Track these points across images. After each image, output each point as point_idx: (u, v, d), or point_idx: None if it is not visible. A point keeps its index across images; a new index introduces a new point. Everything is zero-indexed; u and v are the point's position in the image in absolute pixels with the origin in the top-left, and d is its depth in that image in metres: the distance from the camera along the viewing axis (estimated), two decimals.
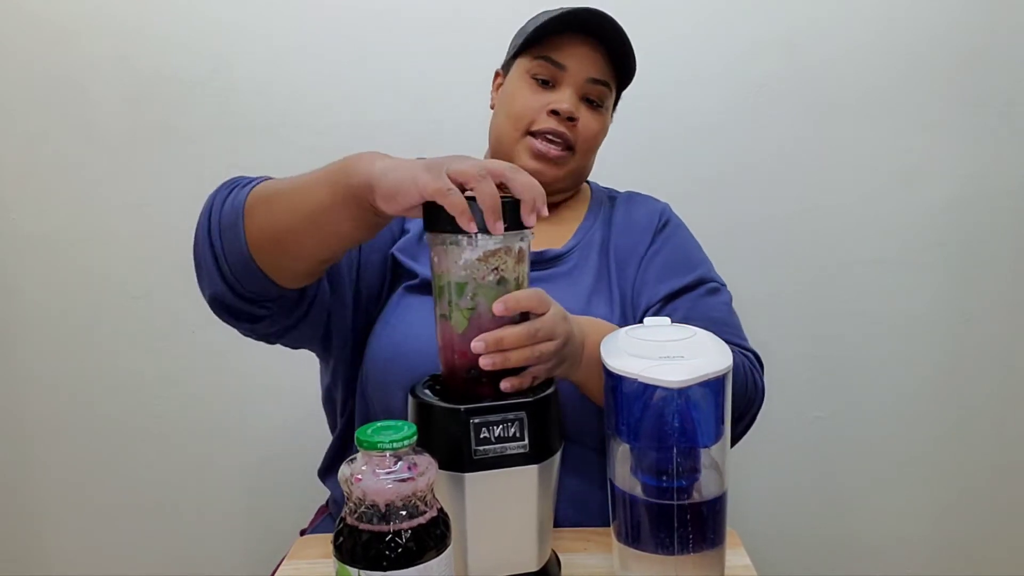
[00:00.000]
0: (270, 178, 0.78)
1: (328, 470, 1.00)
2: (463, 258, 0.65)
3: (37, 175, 1.40)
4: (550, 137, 0.93)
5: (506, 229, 0.63)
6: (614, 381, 0.65)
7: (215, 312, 0.81)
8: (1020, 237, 1.42)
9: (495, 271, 0.66)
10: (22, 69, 1.37)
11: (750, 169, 1.41)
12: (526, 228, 0.66)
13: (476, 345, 0.64)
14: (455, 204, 0.61)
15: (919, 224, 1.42)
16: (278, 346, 0.89)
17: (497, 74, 1.03)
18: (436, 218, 0.64)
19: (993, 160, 1.40)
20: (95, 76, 1.37)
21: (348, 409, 0.95)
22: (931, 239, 1.42)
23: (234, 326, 0.82)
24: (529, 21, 0.97)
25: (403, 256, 0.92)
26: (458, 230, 0.62)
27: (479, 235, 0.63)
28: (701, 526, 0.64)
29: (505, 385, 0.66)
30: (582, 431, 0.84)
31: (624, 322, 0.92)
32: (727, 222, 1.40)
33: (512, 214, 0.64)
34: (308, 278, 0.79)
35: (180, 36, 1.37)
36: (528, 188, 0.64)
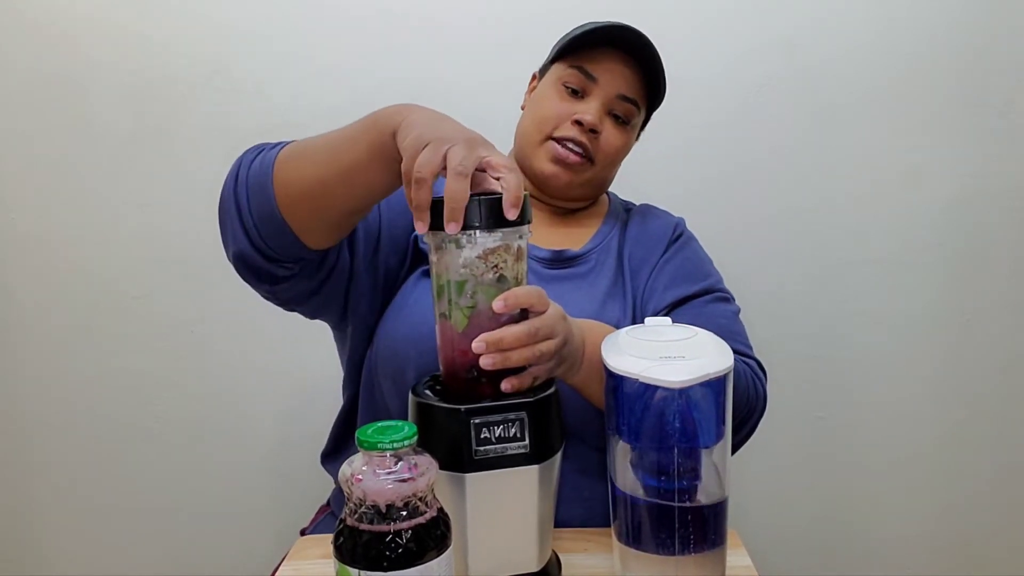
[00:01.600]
0: (295, 141, 0.79)
1: (330, 454, 1.00)
2: (463, 256, 0.65)
3: (37, 175, 1.40)
4: (570, 145, 0.94)
5: (505, 225, 0.64)
6: (615, 381, 0.65)
7: (238, 271, 0.81)
8: (1020, 237, 1.42)
9: (495, 269, 0.66)
10: (22, 70, 1.37)
11: (750, 169, 1.41)
12: (524, 225, 0.66)
13: (477, 345, 0.64)
14: (412, 198, 0.62)
15: (919, 224, 1.42)
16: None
17: (533, 76, 1.04)
18: (434, 218, 0.64)
19: (993, 160, 1.40)
20: (95, 77, 1.37)
21: (353, 392, 0.95)
22: (931, 239, 1.42)
23: (255, 287, 0.83)
24: (573, 29, 0.98)
25: (423, 240, 0.92)
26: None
27: (478, 233, 0.64)
28: (702, 526, 0.64)
29: (506, 386, 0.66)
30: (585, 430, 0.84)
31: None
32: (727, 222, 1.39)
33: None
34: (335, 234, 0.80)
35: (180, 38, 1.37)
36: (514, 188, 0.63)
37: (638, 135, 1.03)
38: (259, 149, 0.80)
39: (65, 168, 1.40)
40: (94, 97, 1.38)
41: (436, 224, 0.64)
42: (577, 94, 0.95)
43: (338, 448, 1.00)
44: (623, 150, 0.99)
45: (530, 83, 1.04)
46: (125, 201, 1.41)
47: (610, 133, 0.95)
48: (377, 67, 1.38)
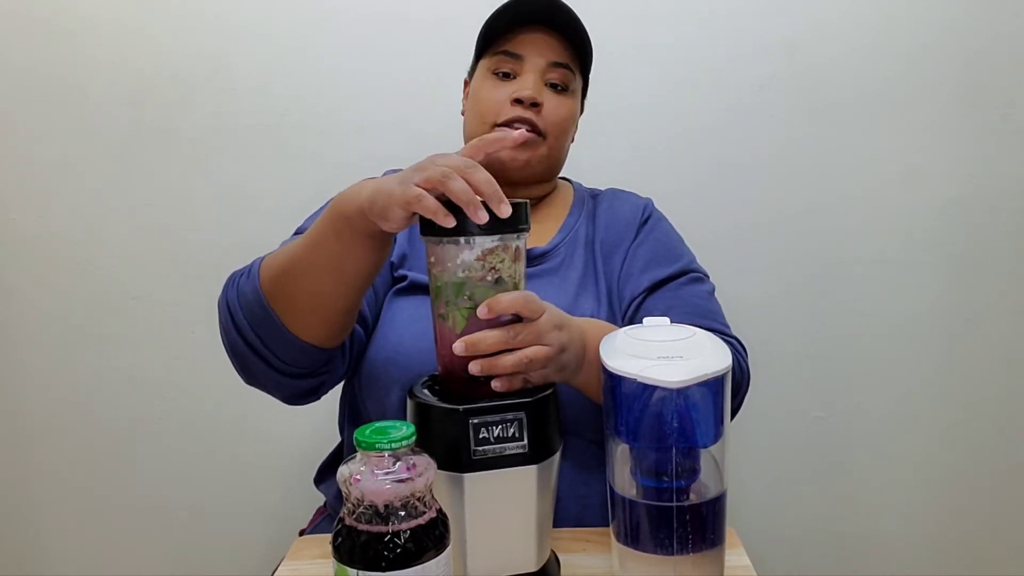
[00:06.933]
0: (261, 258, 0.79)
1: (322, 479, 1.01)
2: (460, 258, 0.65)
3: (37, 175, 1.40)
4: (517, 125, 0.93)
5: (505, 230, 0.64)
6: (613, 381, 0.65)
7: (296, 404, 0.87)
8: (1021, 237, 1.42)
9: (492, 270, 0.66)
10: (22, 70, 1.37)
11: (750, 169, 1.41)
12: (524, 228, 0.66)
13: (457, 347, 0.64)
14: (428, 208, 0.62)
15: (919, 224, 1.42)
16: None
17: (465, 83, 1.04)
18: (431, 222, 0.64)
19: (993, 160, 1.40)
20: (95, 77, 1.38)
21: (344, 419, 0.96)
22: (931, 239, 1.42)
23: (311, 401, 0.89)
24: (484, 23, 0.98)
25: (395, 264, 0.94)
26: (452, 232, 0.63)
27: (476, 235, 0.64)
28: (700, 526, 0.64)
29: (496, 384, 0.66)
30: (581, 423, 0.84)
31: (611, 316, 0.93)
32: (727, 222, 1.39)
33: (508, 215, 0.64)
34: (349, 325, 0.81)
35: (180, 37, 1.37)
36: (487, 182, 0.64)
37: (582, 105, 1.03)
38: (231, 290, 0.79)
39: (65, 167, 1.40)
40: (94, 96, 1.38)
41: (430, 228, 0.65)
42: (509, 76, 0.95)
43: (327, 473, 1.01)
44: (569, 118, 0.98)
45: (464, 90, 1.04)
46: (125, 201, 1.41)
47: (552, 102, 0.95)
48: (377, 67, 1.38)
